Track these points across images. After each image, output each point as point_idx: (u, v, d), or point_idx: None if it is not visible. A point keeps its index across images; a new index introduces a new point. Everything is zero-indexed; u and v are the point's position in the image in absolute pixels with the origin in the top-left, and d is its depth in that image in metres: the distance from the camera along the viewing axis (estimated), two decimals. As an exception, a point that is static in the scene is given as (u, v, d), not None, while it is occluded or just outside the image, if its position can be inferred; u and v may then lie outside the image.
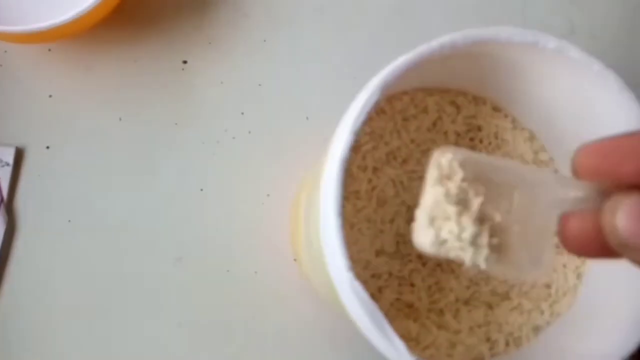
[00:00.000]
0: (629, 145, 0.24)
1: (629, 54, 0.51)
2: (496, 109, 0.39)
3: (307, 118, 0.47)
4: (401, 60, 0.30)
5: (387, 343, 0.28)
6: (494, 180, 0.25)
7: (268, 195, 0.46)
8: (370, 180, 0.38)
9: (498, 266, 0.26)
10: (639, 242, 0.23)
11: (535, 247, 0.26)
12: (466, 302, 0.38)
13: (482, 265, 0.25)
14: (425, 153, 0.38)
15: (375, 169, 0.38)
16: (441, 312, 0.37)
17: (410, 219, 0.38)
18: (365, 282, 0.36)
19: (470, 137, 0.39)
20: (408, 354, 0.27)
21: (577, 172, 0.26)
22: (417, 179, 0.38)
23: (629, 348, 0.31)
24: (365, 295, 0.28)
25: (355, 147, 0.37)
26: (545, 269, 0.26)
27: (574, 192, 0.25)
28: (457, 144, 0.39)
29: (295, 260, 0.46)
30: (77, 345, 0.43)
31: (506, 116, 0.39)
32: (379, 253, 0.38)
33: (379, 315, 0.28)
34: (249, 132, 0.47)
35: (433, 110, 0.38)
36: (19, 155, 0.45)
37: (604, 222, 0.24)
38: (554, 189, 0.26)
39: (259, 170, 0.47)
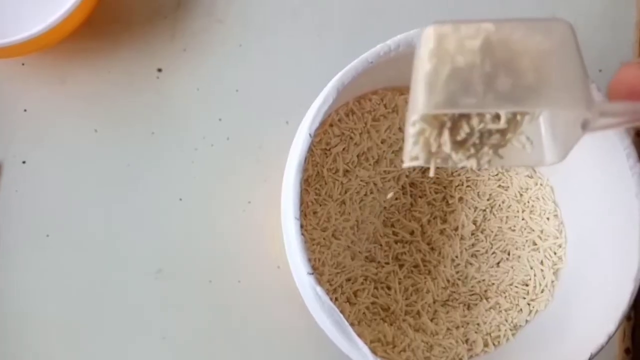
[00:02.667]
0: None
1: (611, 45, 0.50)
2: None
3: (286, 122, 0.47)
4: (356, 61, 0.30)
5: (351, 346, 0.27)
6: None
7: (249, 202, 0.46)
8: (342, 183, 0.37)
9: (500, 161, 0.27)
10: None
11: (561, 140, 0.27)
12: (444, 304, 0.37)
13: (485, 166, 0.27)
14: (398, 153, 0.38)
15: (346, 171, 0.37)
16: (418, 314, 0.37)
17: (386, 221, 0.37)
18: (340, 287, 0.36)
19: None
20: (371, 355, 0.27)
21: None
22: (391, 179, 0.38)
23: (601, 341, 0.30)
24: (326, 299, 0.27)
25: (326, 150, 0.37)
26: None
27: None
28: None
29: (279, 267, 0.45)
30: (59, 360, 0.43)
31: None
32: (354, 256, 0.37)
33: (341, 318, 0.27)
34: (228, 138, 0.46)
35: (404, 110, 0.38)
36: (-4, 171, 0.45)
37: None
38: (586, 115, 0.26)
39: (238, 177, 0.46)
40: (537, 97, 0.24)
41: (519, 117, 0.26)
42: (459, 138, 0.26)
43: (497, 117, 0.26)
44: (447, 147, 0.25)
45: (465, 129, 0.25)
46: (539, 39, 0.25)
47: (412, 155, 0.26)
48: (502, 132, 0.27)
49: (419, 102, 0.24)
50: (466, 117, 0.26)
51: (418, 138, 0.26)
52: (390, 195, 0.37)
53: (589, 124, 0.25)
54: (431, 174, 0.26)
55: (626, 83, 0.27)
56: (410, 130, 0.26)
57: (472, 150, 0.27)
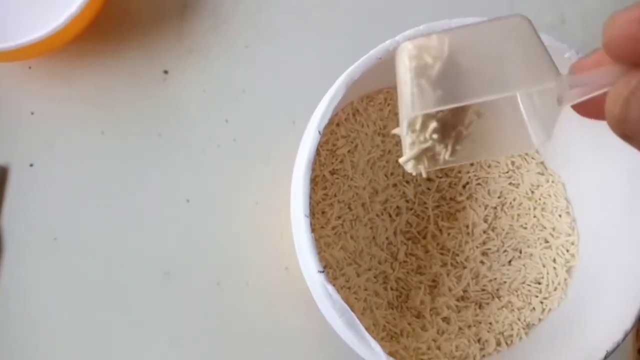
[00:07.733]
0: None
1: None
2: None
3: (293, 123, 0.47)
4: (365, 57, 0.30)
5: (363, 344, 0.27)
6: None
7: (256, 203, 0.46)
8: (349, 186, 0.37)
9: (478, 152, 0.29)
10: None
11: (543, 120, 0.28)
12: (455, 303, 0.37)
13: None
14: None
15: (353, 173, 0.37)
16: (429, 313, 0.36)
17: (395, 221, 0.37)
18: (347, 286, 0.35)
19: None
20: (383, 352, 0.26)
21: (607, 47, 0.23)
22: (399, 183, 0.37)
23: (617, 338, 0.29)
24: (337, 297, 0.27)
25: (332, 151, 0.36)
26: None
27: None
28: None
29: (287, 269, 0.45)
30: (68, 363, 0.43)
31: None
32: (363, 256, 0.37)
33: (352, 317, 0.27)
34: (234, 139, 0.46)
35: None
36: (3, 174, 0.45)
37: (609, 113, 0.22)
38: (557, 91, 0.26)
39: (246, 178, 0.46)
40: (506, 83, 0.25)
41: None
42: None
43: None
44: (435, 136, 0.27)
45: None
46: (499, 34, 0.26)
47: (407, 158, 0.26)
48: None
49: (409, 108, 0.25)
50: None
51: (409, 137, 0.27)
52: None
53: (562, 98, 0.26)
54: (424, 174, 0.27)
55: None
56: (403, 132, 0.26)
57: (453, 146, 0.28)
